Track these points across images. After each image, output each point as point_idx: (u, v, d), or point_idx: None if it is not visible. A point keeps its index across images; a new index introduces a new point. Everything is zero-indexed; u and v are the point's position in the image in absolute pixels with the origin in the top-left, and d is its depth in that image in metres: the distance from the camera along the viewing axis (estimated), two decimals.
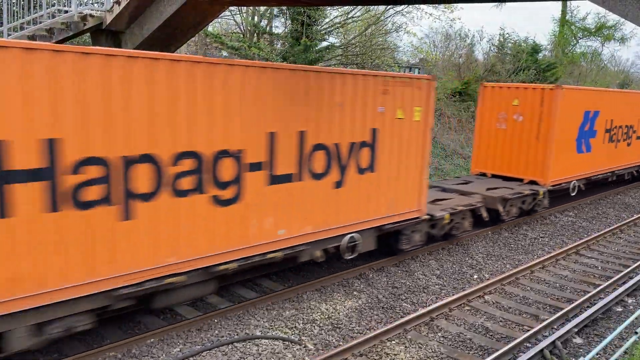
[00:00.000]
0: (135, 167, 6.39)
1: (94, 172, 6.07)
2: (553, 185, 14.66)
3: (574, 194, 15.96)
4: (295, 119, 8.01)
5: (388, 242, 10.42)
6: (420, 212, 10.60)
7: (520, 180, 14.66)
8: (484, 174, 15.48)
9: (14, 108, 5.43)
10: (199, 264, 7.21)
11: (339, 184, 8.90)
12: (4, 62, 5.35)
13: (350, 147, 8.94)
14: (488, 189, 13.47)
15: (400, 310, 8.70)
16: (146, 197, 6.55)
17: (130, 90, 6.24)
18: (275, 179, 7.94)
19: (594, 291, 9.47)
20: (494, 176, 15.22)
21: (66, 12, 10.79)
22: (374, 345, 7.43)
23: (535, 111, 14.31)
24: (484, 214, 12.58)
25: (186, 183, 6.91)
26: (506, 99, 14.82)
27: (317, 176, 8.54)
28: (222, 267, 7.47)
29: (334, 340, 7.58)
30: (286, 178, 8.08)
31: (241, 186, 7.52)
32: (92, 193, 6.10)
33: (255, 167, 7.66)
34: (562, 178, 15.03)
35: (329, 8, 22.93)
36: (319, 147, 8.44)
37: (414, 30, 71.60)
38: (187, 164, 6.88)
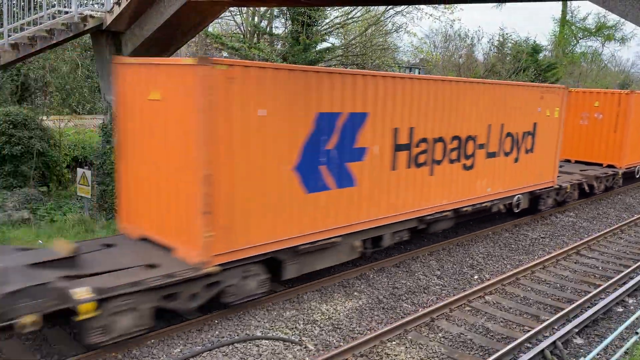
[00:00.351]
0: (436, 144, 10.63)
1: (423, 146, 10.33)
2: (626, 168, 18.71)
3: (638, 176, 20.13)
4: (498, 116, 12.25)
5: (533, 204, 14.38)
6: (553, 182, 14.84)
7: (600, 164, 18.52)
8: (568, 160, 19.10)
9: (397, 109, 9.66)
10: (453, 206, 11.43)
11: (516, 160, 13.16)
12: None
13: (523, 135, 13.27)
14: (581, 170, 17.26)
15: (400, 310, 8.70)
16: (438, 162, 10.79)
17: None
18: (489, 155, 12.21)
19: (595, 291, 9.47)
20: (576, 162, 19.00)
21: (66, 13, 10.80)
22: (375, 345, 7.43)
23: (613, 111, 18.21)
24: (587, 188, 16.55)
25: (453, 155, 11.15)
26: (588, 101, 18.72)
27: (506, 154, 12.79)
28: (464, 209, 11.69)
29: (334, 341, 7.58)
30: (493, 154, 12.35)
31: (474, 158, 11.76)
32: (421, 158, 10.36)
33: (481, 146, 11.91)
34: (632, 163, 19.22)
35: (329, 9, 22.93)
36: (508, 134, 12.72)
37: (414, 31, 71.58)
38: (455, 143, 11.10)
